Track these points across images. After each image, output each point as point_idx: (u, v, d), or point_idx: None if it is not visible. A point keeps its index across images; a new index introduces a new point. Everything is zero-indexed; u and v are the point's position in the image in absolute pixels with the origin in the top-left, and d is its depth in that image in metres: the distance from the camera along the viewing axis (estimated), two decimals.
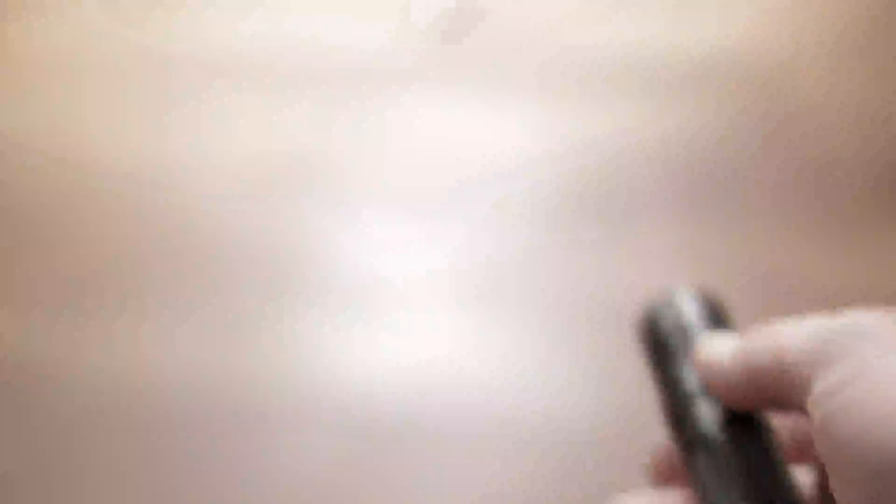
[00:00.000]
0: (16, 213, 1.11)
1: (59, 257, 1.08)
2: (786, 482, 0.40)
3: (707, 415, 0.43)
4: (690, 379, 0.45)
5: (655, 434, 0.93)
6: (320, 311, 1.03)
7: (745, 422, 0.43)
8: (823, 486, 0.43)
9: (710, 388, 0.42)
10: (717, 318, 0.47)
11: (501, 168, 1.14)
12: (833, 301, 1.02)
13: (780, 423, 0.45)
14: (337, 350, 1.00)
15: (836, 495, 0.33)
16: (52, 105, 1.20)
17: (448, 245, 1.07)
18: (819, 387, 0.33)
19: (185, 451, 0.97)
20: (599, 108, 1.19)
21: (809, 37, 1.24)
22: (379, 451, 0.95)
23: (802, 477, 0.44)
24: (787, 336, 0.37)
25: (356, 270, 1.06)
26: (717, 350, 0.43)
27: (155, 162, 1.14)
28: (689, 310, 0.47)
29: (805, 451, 0.44)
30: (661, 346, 0.46)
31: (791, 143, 1.17)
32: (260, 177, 1.13)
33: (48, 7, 1.29)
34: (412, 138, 1.16)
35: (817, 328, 0.35)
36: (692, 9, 1.25)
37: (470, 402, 0.96)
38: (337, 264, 1.07)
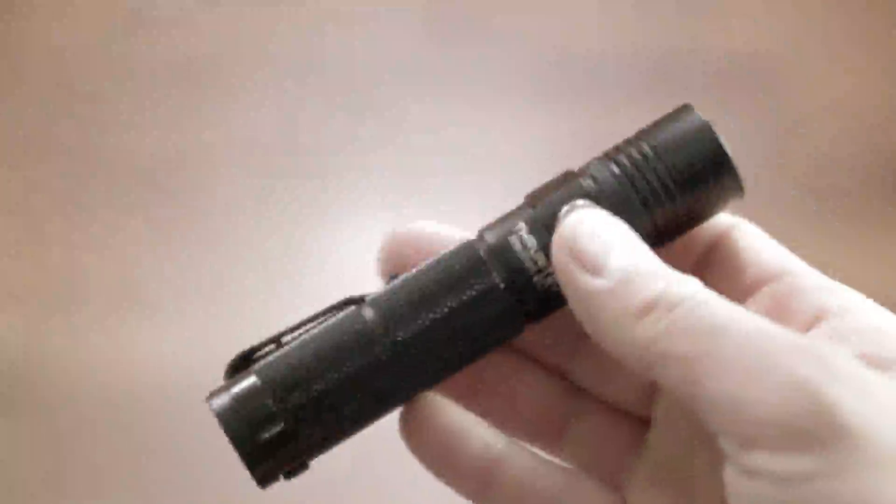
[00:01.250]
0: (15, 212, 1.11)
1: (57, 255, 1.07)
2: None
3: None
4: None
5: None
6: (318, 307, 1.03)
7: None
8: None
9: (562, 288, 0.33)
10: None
11: (500, 168, 1.13)
12: None
13: None
14: None
15: None
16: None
17: None
18: (779, 460, 0.29)
19: (183, 449, 0.96)
20: (601, 110, 1.18)
21: (812, 38, 1.24)
22: (377, 448, 0.95)
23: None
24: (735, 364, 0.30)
25: (352, 268, 1.06)
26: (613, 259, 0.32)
27: (159, 150, 1.13)
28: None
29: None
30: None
31: (793, 143, 1.17)
32: (257, 174, 1.12)
33: None
34: (409, 137, 1.16)
35: (795, 398, 0.29)
36: (694, 11, 1.25)
37: None
38: (333, 261, 1.07)
